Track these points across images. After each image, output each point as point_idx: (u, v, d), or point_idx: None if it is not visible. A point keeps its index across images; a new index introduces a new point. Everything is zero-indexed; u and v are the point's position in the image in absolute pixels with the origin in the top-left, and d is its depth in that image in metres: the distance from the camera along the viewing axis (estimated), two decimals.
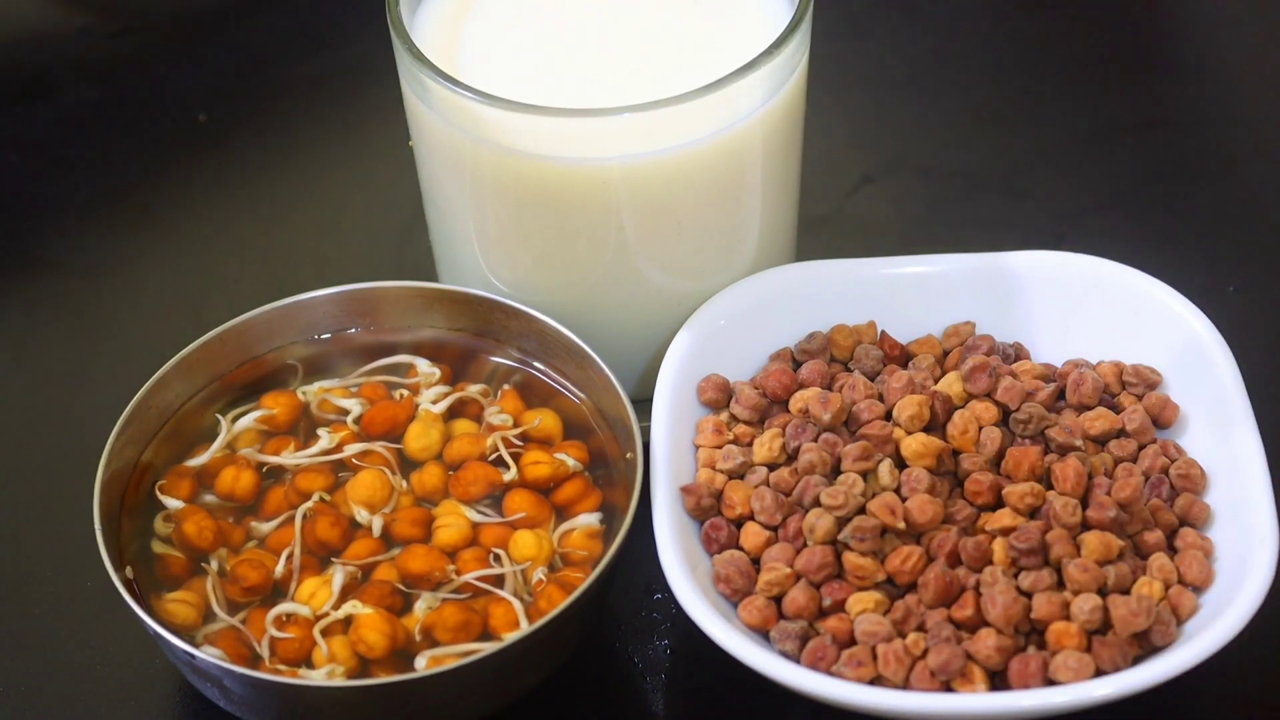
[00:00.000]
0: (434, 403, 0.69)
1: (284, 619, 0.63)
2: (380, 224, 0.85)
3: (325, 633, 0.63)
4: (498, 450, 0.68)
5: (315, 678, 0.62)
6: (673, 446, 0.67)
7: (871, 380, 0.69)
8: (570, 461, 0.67)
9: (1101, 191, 0.86)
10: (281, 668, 0.63)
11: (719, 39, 0.69)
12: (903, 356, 0.71)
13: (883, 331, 0.71)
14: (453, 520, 0.66)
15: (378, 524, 0.66)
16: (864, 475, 0.64)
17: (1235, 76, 0.93)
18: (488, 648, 0.61)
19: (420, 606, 0.64)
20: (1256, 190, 0.86)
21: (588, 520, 0.66)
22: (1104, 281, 0.71)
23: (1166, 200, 0.86)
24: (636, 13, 0.70)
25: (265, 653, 0.63)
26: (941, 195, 0.86)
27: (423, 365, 0.71)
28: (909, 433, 0.66)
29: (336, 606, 0.64)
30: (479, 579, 0.64)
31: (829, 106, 0.79)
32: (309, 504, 0.66)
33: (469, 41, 0.70)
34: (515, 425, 0.69)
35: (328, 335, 0.72)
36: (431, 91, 0.66)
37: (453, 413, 0.70)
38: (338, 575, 0.64)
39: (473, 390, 0.70)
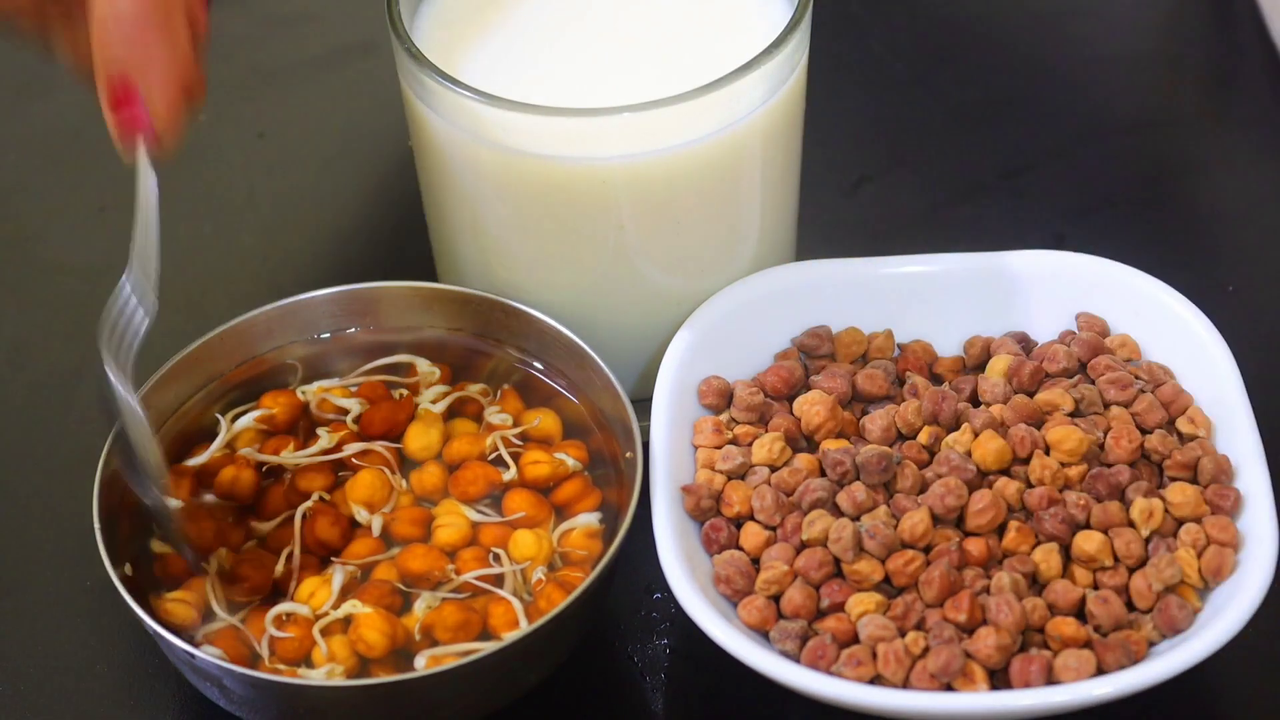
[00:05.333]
0: (433, 402, 0.69)
1: (283, 618, 0.63)
2: (380, 224, 0.85)
3: (324, 632, 0.63)
4: (497, 450, 0.68)
5: (315, 677, 0.62)
6: (672, 446, 0.67)
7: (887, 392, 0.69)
8: (570, 461, 0.67)
9: (1101, 191, 0.86)
10: (281, 667, 0.63)
11: (719, 39, 0.69)
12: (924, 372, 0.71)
13: (900, 348, 0.71)
14: (452, 520, 0.66)
15: (377, 524, 0.66)
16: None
17: (1235, 76, 0.93)
18: (487, 647, 0.61)
19: (420, 606, 0.64)
20: (1256, 190, 0.86)
21: (587, 520, 0.66)
22: (1104, 281, 0.71)
23: (1166, 200, 0.86)
24: (636, 13, 0.70)
25: (265, 652, 0.63)
26: (941, 195, 0.86)
27: (423, 365, 0.71)
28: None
29: (336, 606, 0.64)
30: (478, 578, 0.64)
31: (829, 106, 0.79)
32: (308, 503, 0.66)
33: (469, 41, 0.70)
34: (515, 425, 0.69)
35: (328, 335, 0.71)
36: (431, 91, 0.66)
37: (452, 412, 0.70)
38: (337, 575, 0.64)
39: (473, 390, 0.70)
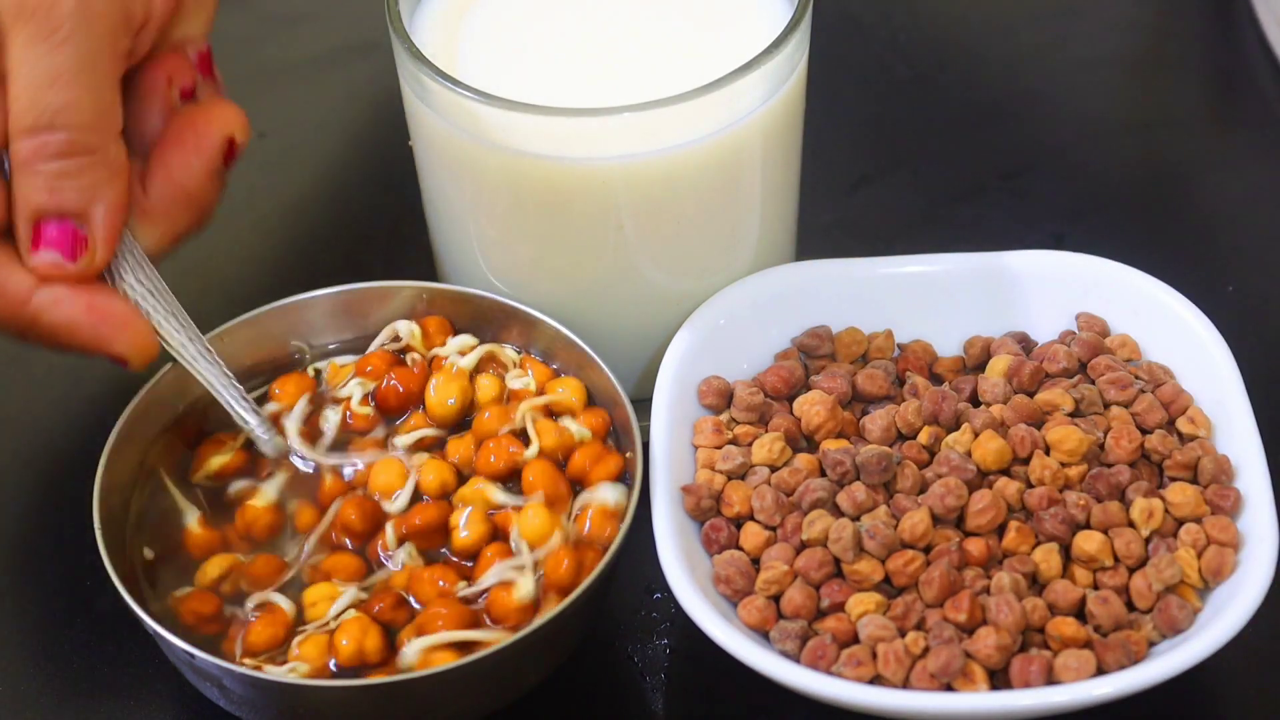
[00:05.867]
0: (461, 354, 0.69)
1: (260, 605, 0.63)
2: (380, 224, 0.85)
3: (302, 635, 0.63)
4: (523, 423, 0.67)
5: (300, 674, 0.62)
6: (672, 446, 0.67)
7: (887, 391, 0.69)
8: (573, 428, 0.66)
9: (1101, 191, 0.86)
10: (250, 661, 0.62)
11: (719, 39, 0.69)
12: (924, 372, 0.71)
13: (900, 348, 0.71)
14: (471, 526, 0.65)
15: (400, 502, 0.66)
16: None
17: (1234, 77, 0.93)
18: (488, 646, 0.61)
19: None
20: (1256, 190, 0.86)
21: (604, 497, 0.65)
22: (1104, 281, 0.71)
23: (1166, 200, 0.86)
24: (636, 13, 0.70)
25: (238, 646, 0.63)
26: (941, 195, 0.86)
27: (402, 327, 0.70)
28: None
29: (335, 617, 0.63)
30: (493, 584, 0.64)
31: (829, 106, 0.79)
32: (340, 501, 0.66)
33: (469, 41, 0.70)
34: (539, 390, 0.68)
35: (328, 335, 0.71)
36: (431, 91, 0.66)
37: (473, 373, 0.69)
38: (344, 597, 0.64)
39: (497, 351, 0.69)
